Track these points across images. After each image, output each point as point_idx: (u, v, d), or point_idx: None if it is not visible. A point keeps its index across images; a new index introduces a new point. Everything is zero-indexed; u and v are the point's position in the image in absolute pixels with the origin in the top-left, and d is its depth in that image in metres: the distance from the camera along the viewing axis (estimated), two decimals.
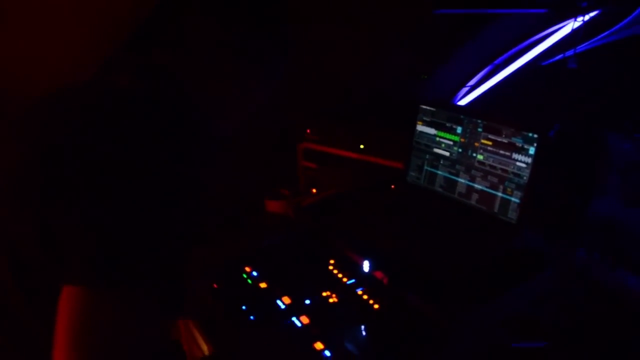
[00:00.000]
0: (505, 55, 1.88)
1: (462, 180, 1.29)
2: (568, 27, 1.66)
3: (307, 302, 1.04)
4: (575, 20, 1.54)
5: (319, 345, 0.92)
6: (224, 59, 0.78)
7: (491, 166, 1.22)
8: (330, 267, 1.16)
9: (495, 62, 1.91)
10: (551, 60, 1.76)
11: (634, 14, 1.53)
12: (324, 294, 1.06)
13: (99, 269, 0.59)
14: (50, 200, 0.62)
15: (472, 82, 1.99)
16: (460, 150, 1.29)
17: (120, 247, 0.60)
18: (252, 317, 1.00)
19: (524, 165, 1.15)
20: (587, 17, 1.52)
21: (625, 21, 1.55)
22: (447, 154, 1.32)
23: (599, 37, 1.59)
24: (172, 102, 0.76)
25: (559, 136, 1.41)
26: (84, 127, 0.66)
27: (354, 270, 1.13)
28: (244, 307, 1.02)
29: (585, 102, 1.65)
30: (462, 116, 1.28)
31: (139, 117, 0.69)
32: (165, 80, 0.77)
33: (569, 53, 1.54)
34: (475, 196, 1.26)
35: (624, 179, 1.31)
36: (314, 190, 1.64)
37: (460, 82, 1.99)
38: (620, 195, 1.30)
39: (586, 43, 1.58)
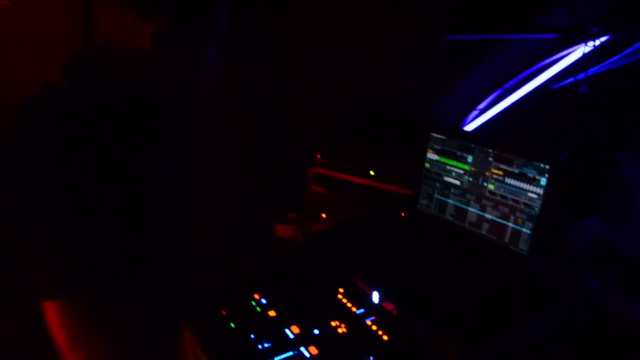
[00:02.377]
0: (515, 79, 1.87)
1: (473, 210, 1.28)
2: (578, 52, 1.66)
3: (316, 332, 1.03)
4: (586, 45, 1.54)
5: None
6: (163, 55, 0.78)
7: (502, 196, 1.21)
8: (340, 296, 1.15)
9: (505, 85, 1.90)
10: (561, 84, 1.76)
11: None
12: (333, 323, 1.05)
13: (75, 279, 0.61)
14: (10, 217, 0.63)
15: (481, 106, 1.99)
16: (471, 179, 1.29)
17: (89, 253, 0.62)
18: (260, 347, 0.99)
19: (535, 196, 1.14)
20: (597, 42, 1.52)
21: (635, 46, 1.55)
22: (458, 182, 1.32)
23: (609, 61, 1.59)
24: (113, 100, 0.76)
25: (570, 161, 1.40)
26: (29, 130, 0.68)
27: (363, 299, 1.12)
28: (252, 336, 1.01)
29: (595, 126, 1.64)
30: (472, 145, 1.27)
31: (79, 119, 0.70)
32: (107, 79, 0.77)
33: (580, 77, 1.54)
34: (485, 226, 1.25)
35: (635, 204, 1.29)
36: (324, 215, 1.64)
37: (470, 106, 1.98)
38: (634, 222, 1.28)
39: (595, 67, 1.58)
